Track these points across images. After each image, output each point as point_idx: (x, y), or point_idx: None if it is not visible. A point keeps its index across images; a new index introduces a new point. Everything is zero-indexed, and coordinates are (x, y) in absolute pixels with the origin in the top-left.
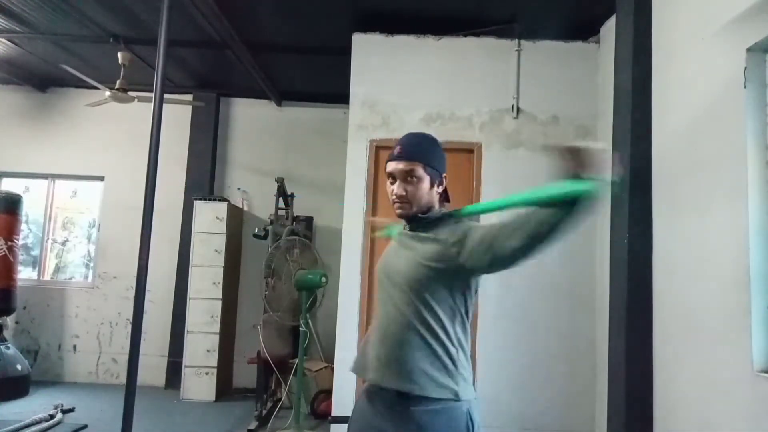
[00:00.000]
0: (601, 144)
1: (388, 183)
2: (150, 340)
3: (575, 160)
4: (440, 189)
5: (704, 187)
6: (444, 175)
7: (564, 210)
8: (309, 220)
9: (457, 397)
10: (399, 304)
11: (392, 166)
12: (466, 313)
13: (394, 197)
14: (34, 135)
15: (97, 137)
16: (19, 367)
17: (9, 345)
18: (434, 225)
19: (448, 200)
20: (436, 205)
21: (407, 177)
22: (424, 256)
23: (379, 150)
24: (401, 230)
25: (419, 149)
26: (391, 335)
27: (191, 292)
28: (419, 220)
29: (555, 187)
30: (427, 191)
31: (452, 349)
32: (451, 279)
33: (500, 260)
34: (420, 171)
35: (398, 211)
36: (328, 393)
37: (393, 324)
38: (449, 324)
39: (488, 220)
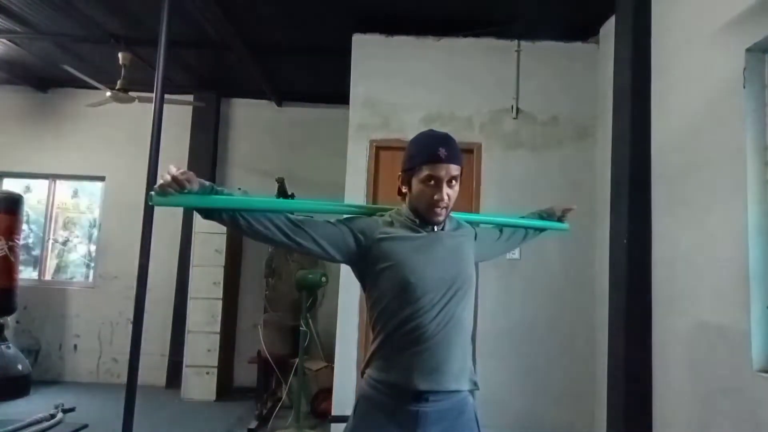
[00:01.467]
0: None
1: (422, 186)
2: (150, 339)
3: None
4: None
5: (703, 187)
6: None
7: (539, 232)
8: None
9: (478, 387)
10: (457, 306)
11: (438, 169)
12: None
13: (440, 202)
14: (35, 135)
15: (98, 137)
16: (19, 366)
17: (10, 345)
18: (445, 223)
19: None
20: None
21: (452, 181)
22: (470, 254)
23: (379, 150)
24: (412, 233)
25: (459, 152)
26: (454, 337)
27: (192, 291)
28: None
29: (546, 222)
30: (457, 193)
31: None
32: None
33: (506, 251)
34: (459, 175)
35: (437, 217)
36: (328, 392)
37: (455, 328)
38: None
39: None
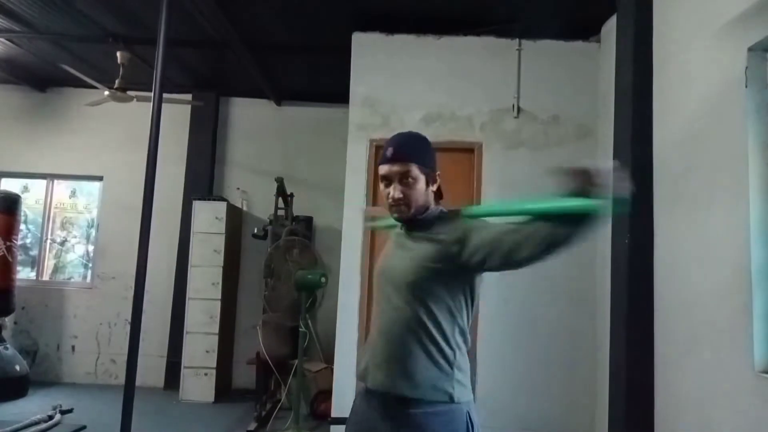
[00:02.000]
0: (611, 163)
1: (382, 186)
2: (149, 340)
3: (584, 180)
4: (434, 187)
5: (705, 186)
6: (438, 173)
7: (572, 225)
8: (308, 220)
9: (453, 400)
10: (398, 306)
11: (386, 168)
12: (467, 315)
13: (391, 200)
14: (33, 135)
15: (96, 137)
16: (17, 367)
17: (8, 345)
18: (432, 224)
19: (441, 197)
20: (432, 204)
21: (403, 179)
22: (424, 257)
23: (379, 150)
24: (398, 231)
25: (412, 149)
26: (391, 338)
27: (190, 292)
28: (417, 221)
29: (564, 203)
30: (423, 191)
31: (450, 352)
32: (451, 280)
33: (510, 265)
34: (415, 171)
35: (395, 215)
36: (327, 394)
37: (392, 327)
38: (448, 326)
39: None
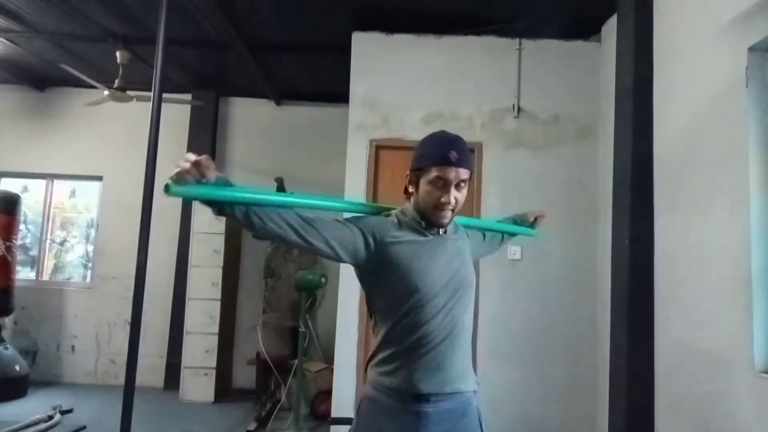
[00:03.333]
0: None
1: (430, 187)
2: (149, 340)
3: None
4: None
5: (706, 186)
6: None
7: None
8: None
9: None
10: (463, 309)
11: (447, 172)
12: None
13: (447, 205)
14: (33, 134)
15: (96, 137)
16: (17, 367)
17: (7, 345)
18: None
19: None
20: None
21: (460, 184)
22: (469, 258)
23: (379, 149)
24: (417, 236)
25: (470, 156)
26: (460, 343)
27: (190, 292)
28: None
29: (518, 228)
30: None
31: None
32: None
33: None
34: (468, 179)
35: (442, 220)
36: (327, 394)
37: (460, 331)
38: None
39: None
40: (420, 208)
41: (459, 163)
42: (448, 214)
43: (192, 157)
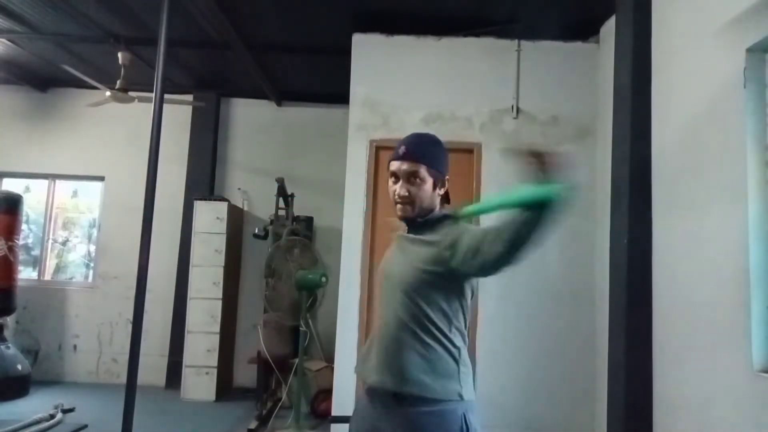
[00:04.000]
0: (563, 147)
1: (390, 182)
2: (150, 339)
3: (538, 164)
4: (442, 191)
5: (704, 187)
6: (446, 177)
7: (533, 214)
8: (309, 220)
9: (450, 399)
10: (396, 306)
11: (396, 165)
12: (463, 316)
13: (397, 197)
14: (35, 135)
15: (98, 137)
16: (19, 366)
17: (9, 345)
18: (433, 227)
19: (448, 201)
20: (437, 208)
21: (411, 178)
22: (421, 260)
23: (379, 150)
24: (401, 233)
25: (424, 150)
26: (389, 337)
27: (191, 291)
28: (419, 223)
29: (523, 192)
30: (430, 193)
31: (447, 353)
32: (447, 283)
33: (488, 265)
34: (423, 172)
35: (399, 213)
36: (328, 393)
37: (391, 326)
38: (445, 327)
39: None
40: None
41: (405, 156)
42: (405, 207)
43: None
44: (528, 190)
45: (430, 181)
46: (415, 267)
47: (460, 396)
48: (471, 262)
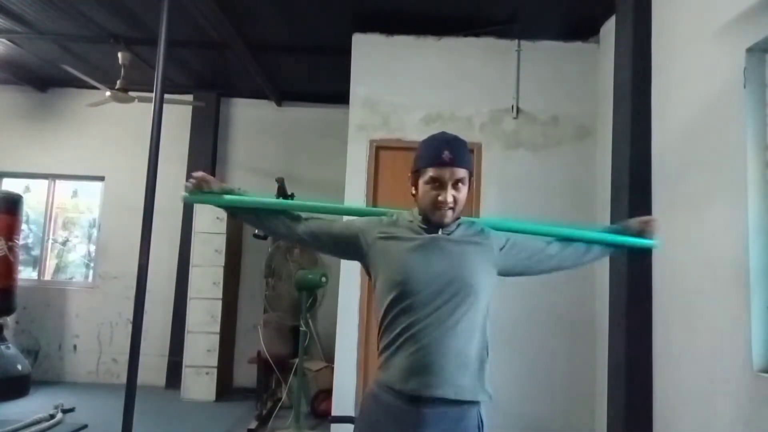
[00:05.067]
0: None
1: (427, 187)
2: (150, 340)
3: (646, 226)
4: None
5: (704, 187)
6: (473, 178)
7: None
8: None
9: (491, 398)
10: (453, 312)
11: (442, 172)
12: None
13: (441, 204)
14: (35, 135)
15: (98, 137)
16: (19, 366)
17: (9, 345)
18: (457, 228)
19: None
20: None
21: (457, 183)
22: (482, 261)
23: (379, 150)
24: (417, 234)
25: (466, 155)
26: (451, 344)
27: (191, 291)
28: (447, 224)
29: (622, 238)
30: (466, 197)
31: (486, 353)
32: (493, 284)
33: (561, 269)
34: (467, 178)
35: (439, 218)
36: (328, 393)
37: (451, 334)
38: (487, 328)
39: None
40: (421, 209)
41: (453, 163)
42: (448, 213)
43: (197, 174)
44: (631, 239)
45: (467, 185)
46: (485, 269)
47: (491, 397)
48: (547, 263)
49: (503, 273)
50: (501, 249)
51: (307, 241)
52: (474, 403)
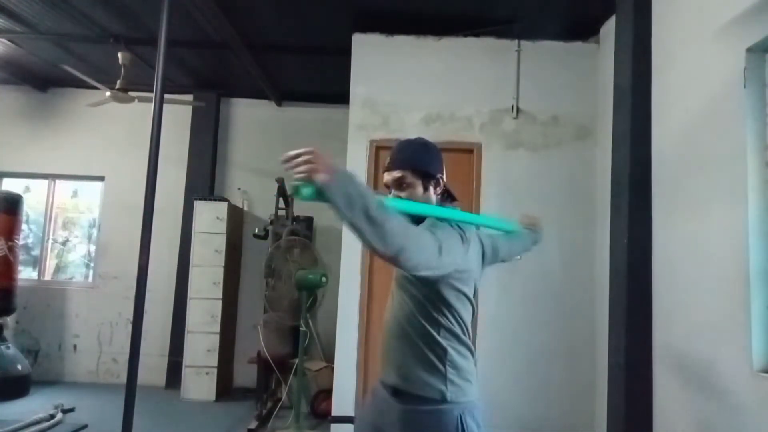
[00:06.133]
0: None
1: (386, 191)
2: (150, 339)
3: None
4: (438, 190)
5: (704, 187)
6: (439, 176)
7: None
8: (309, 220)
9: (446, 400)
10: (400, 303)
11: (385, 177)
12: (465, 314)
13: None
14: (35, 135)
15: (98, 137)
16: (19, 366)
17: (9, 345)
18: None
19: (454, 199)
20: None
21: (400, 185)
22: None
23: (379, 150)
24: None
25: (406, 156)
26: (392, 333)
27: (191, 291)
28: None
29: (520, 230)
30: (421, 195)
31: (444, 352)
32: (445, 279)
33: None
34: (409, 177)
35: None
36: (328, 393)
37: (394, 322)
38: (446, 324)
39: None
40: None
41: (390, 167)
42: None
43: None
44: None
45: (418, 184)
46: None
47: (457, 396)
48: (496, 259)
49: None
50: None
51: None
52: (421, 398)
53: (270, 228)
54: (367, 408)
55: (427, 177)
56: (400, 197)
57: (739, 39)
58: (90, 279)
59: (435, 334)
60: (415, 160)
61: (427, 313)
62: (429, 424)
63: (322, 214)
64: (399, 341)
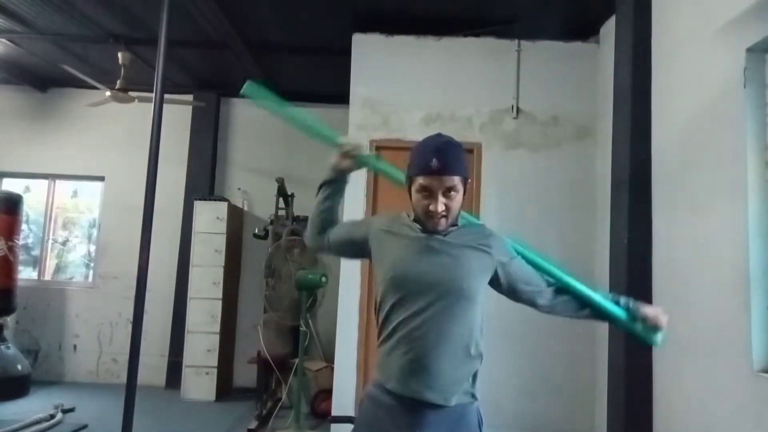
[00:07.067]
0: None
1: (419, 196)
2: (150, 340)
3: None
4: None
5: (704, 187)
6: (469, 180)
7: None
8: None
9: (476, 398)
10: (443, 315)
11: (431, 181)
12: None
13: (432, 212)
14: (35, 135)
15: (98, 137)
16: (19, 366)
17: (9, 345)
18: (456, 229)
19: None
20: None
21: (447, 192)
22: (479, 266)
23: (379, 150)
24: (416, 234)
25: (456, 160)
26: (442, 351)
27: (191, 291)
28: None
29: (622, 316)
30: (461, 202)
31: (479, 360)
32: (485, 287)
33: (533, 307)
34: (459, 185)
35: (437, 227)
36: (328, 393)
37: (445, 338)
38: (479, 331)
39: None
40: (416, 215)
41: (442, 171)
42: (441, 221)
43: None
44: (632, 325)
45: (461, 190)
46: (476, 271)
47: (475, 396)
48: (519, 296)
49: (492, 284)
50: (503, 262)
51: (333, 251)
52: (469, 403)
53: (270, 228)
54: (381, 423)
55: (467, 182)
56: (447, 205)
57: (739, 39)
58: (90, 279)
59: (480, 338)
60: (462, 165)
61: (479, 323)
62: (461, 419)
63: None
64: (453, 360)
